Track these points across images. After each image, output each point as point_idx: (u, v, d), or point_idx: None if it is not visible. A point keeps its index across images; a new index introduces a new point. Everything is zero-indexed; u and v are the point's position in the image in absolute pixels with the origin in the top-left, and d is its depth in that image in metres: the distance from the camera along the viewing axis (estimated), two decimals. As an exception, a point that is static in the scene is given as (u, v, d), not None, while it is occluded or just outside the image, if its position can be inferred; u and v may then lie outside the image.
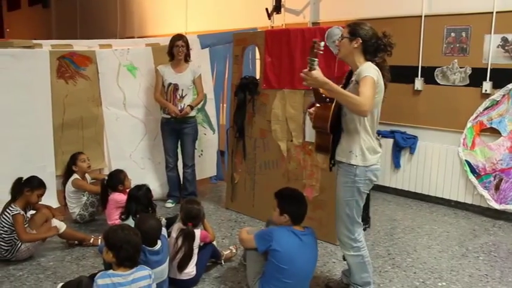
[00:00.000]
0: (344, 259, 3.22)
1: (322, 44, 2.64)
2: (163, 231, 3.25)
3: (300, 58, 4.22)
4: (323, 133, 2.91)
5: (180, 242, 3.23)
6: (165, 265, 3.07)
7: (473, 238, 4.32)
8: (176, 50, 4.73)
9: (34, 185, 3.71)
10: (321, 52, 2.65)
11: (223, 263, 3.65)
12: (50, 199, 4.30)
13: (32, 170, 4.23)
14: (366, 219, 3.11)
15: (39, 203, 3.85)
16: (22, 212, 3.60)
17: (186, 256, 3.21)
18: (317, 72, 2.63)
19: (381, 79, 2.74)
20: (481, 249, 4.06)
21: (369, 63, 2.76)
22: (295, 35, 4.27)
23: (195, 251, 3.29)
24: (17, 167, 4.14)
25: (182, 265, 3.21)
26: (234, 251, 3.77)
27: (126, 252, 2.55)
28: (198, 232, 3.34)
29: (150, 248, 2.92)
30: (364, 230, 3.15)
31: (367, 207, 3.08)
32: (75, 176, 4.47)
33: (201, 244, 3.42)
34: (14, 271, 3.51)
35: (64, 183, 4.50)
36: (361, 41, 2.77)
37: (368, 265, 2.99)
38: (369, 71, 2.67)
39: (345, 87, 2.87)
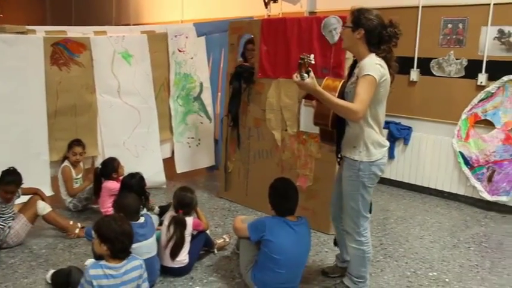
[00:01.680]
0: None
1: (312, 56, 2.49)
2: (154, 217, 3.27)
3: (296, 47, 4.20)
4: (324, 129, 2.89)
5: (171, 229, 3.24)
6: (152, 240, 3.08)
7: (464, 229, 4.35)
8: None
9: (1, 181, 3.58)
10: (313, 63, 2.49)
11: (216, 251, 3.66)
12: (43, 187, 4.26)
13: (25, 157, 4.27)
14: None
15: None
16: None
17: (177, 243, 3.22)
18: (309, 81, 2.50)
19: (387, 73, 2.64)
20: (472, 240, 4.09)
21: (373, 56, 2.65)
22: (291, 24, 4.25)
23: (187, 239, 3.30)
24: (11, 154, 4.13)
25: (174, 253, 3.22)
26: (227, 240, 3.78)
27: (121, 243, 2.52)
28: (190, 220, 3.34)
29: (134, 222, 2.92)
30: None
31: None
32: (66, 163, 4.48)
33: (194, 232, 3.43)
34: (5, 258, 3.51)
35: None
36: (363, 32, 2.64)
37: (368, 261, 2.96)
38: (371, 68, 2.57)
39: (349, 77, 2.82)
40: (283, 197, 2.98)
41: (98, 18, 9.73)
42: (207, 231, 3.66)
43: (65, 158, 4.53)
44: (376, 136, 2.74)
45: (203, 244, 3.54)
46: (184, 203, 3.34)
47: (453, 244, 3.99)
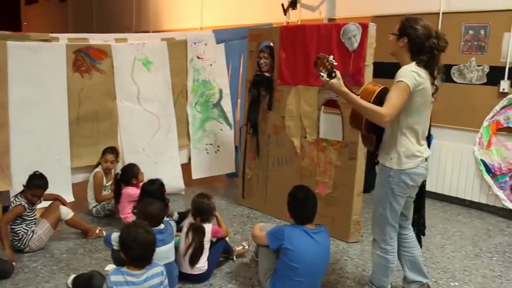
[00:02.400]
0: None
1: (332, 57, 2.56)
2: (173, 224, 3.28)
3: (315, 54, 4.14)
4: (362, 132, 2.90)
5: (190, 236, 3.24)
6: (170, 246, 3.08)
7: (487, 238, 4.27)
8: None
9: (30, 185, 3.65)
10: (335, 63, 2.57)
11: (235, 258, 3.65)
12: (65, 193, 4.32)
13: (47, 163, 4.32)
14: (417, 224, 3.08)
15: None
16: (24, 203, 3.61)
17: (196, 251, 3.22)
18: (334, 81, 2.57)
19: (424, 82, 2.60)
20: (495, 250, 4.01)
21: (412, 64, 2.64)
22: (310, 31, 4.25)
23: (206, 245, 3.30)
24: (33, 160, 4.19)
25: (193, 260, 3.22)
26: (247, 247, 3.77)
27: (133, 251, 2.50)
28: (209, 227, 3.34)
29: (154, 228, 2.92)
30: (423, 235, 3.14)
31: (419, 212, 3.03)
32: (99, 169, 4.54)
33: (214, 239, 3.43)
34: (28, 262, 3.56)
35: None
36: (406, 41, 2.67)
37: (390, 271, 2.92)
38: (405, 75, 2.58)
39: None
40: (301, 205, 2.96)
41: (118, 25, 9.86)
42: (227, 238, 3.66)
43: (99, 163, 4.59)
44: (409, 146, 2.70)
45: (222, 251, 3.54)
46: (201, 210, 3.34)
47: (475, 254, 3.92)
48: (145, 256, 2.56)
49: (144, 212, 3.05)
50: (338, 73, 2.58)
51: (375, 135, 2.84)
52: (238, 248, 3.71)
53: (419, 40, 2.64)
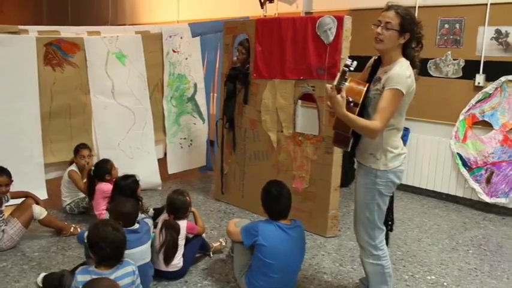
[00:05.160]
0: (362, 264, 2.90)
1: (355, 63, 2.34)
2: (149, 221, 3.21)
3: (290, 47, 4.15)
4: (342, 134, 2.67)
5: (163, 233, 3.19)
6: (146, 246, 3.01)
7: (463, 231, 4.30)
8: None
9: None
10: (349, 64, 2.34)
11: (211, 254, 3.61)
12: (39, 190, 4.22)
13: (19, 159, 4.22)
14: (388, 222, 2.87)
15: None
16: None
17: (169, 248, 3.16)
18: (340, 99, 2.37)
19: (414, 82, 2.48)
20: (471, 243, 4.04)
21: (404, 63, 2.48)
22: (286, 24, 4.20)
23: (181, 242, 3.24)
24: (4, 156, 4.04)
25: (167, 257, 3.16)
26: (224, 243, 3.73)
27: (101, 250, 2.43)
28: (184, 223, 3.28)
29: (127, 228, 2.87)
30: (391, 231, 2.91)
31: (390, 208, 2.84)
32: (73, 167, 4.42)
33: (190, 236, 3.37)
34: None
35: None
36: (409, 36, 2.48)
37: (388, 277, 2.77)
38: (401, 81, 2.41)
39: (370, 79, 2.62)
40: (275, 200, 2.90)
41: (94, 18, 9.66)
42: (203, 235, 3.61)
43: (71, 162, 4.47)
44: (395, 144, 2.59)
45: (199, 248, 3.49)
46: (175, 207, 3.28)
47: (452, 247, 3.94)
48: (115, 255, 2.48)
49: (117, 213, 2.96)
50: (344, 93, 2.39)
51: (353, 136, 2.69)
52: (216, 244, 3.67)
53: (419, 36, 2.51)
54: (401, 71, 2.46)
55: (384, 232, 2.77)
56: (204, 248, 3.57)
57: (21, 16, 13.25)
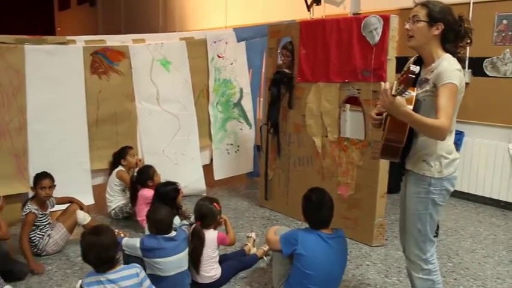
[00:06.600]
0: (409, 276, 2.66)
1: (418, 69, 2.17)
2: (187, 229, 3.18)
3: (335, 50, 4.04)
4: (393, 146, 2.42)
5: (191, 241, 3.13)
6: (183, 254, 2.98)
7: (523, 242, 4.02)
8: None
9: (36, 180, 3.63)
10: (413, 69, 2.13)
11: (265, 258, 3.60)
12: (85, 195, 4.33)
13: (67, 166, 4.33)
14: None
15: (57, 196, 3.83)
16: (33, 210, 3.57)
17: (193, 257, 3.08)
18: (400, 100, 2.17)
19: (463, 75, 2.31)
20: (532, 255, 3.76)
21: (450, 58, 2.30)
22: (330, 26, 4.08)
23: (212, 254, 3.14)
24: (53, 164, 4.13)
25: (194, 266, 3.10)
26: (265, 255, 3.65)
27: (86, 259, 2.46)
28: (214, 234, 3.18)
29: (164, 236, 2.88)
30: (436, 237, 2.61)
31: None
32: (121, 168, 4.50)
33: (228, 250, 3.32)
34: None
35: (109, 175, 4.56)
36: (443, 27, 2.31)
37: None
38: (453, 75, 2.23)
39: (414, 82, 2.35)
40: (316, 209, 2.79)
41: (145, 27, 9.93)
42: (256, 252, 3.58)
43: (117, 164, 4.55)
44: (449, 148, 2.38)
45: (241, 267, 3.42)
46: (201, 214, 3.18)
47: (510, 259, 3.68)
48: (101, 259, 2.45)
49: (151, 219, 2.98)
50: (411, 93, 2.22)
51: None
52: (259, 253, 3.61)
53: (457, 25, 2.33)
54: (449, 65, 2.28)
55: (435, 245, 2.57)
56: (246, 267, 3.48)
57: (79, 29, 13.85)
